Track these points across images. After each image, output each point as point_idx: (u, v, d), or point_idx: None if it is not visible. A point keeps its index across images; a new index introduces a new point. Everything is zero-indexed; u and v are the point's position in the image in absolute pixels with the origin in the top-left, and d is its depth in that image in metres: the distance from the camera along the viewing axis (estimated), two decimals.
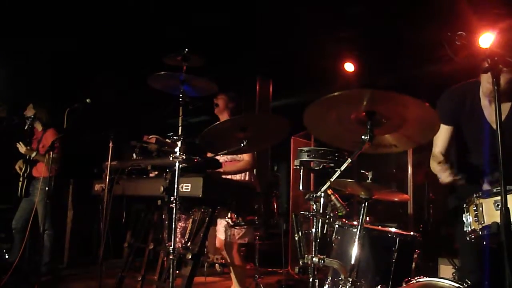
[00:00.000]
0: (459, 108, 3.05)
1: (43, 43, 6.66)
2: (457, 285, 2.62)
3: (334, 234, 3.37)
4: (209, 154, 4.04)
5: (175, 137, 3.21)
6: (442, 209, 7.04)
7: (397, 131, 2.37)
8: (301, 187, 2.87)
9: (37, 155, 5.75)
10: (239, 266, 4.52)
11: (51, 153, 5.20)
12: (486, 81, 2.89)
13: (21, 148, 5.77)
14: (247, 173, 4.50)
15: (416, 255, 3.31)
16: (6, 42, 6.53)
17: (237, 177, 4.46)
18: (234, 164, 4.39)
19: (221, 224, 4.36)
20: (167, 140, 3.62)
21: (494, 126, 2.80)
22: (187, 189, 3.21)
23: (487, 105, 2.97)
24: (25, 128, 5.85)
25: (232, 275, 4.59)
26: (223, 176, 4.31)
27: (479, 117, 2.97)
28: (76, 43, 6.85)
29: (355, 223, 3.26)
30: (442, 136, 3.07)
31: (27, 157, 5.84)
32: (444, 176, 2.82)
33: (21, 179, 5.89)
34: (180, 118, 3.32)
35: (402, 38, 6.62)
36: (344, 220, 3.35)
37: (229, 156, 4.32)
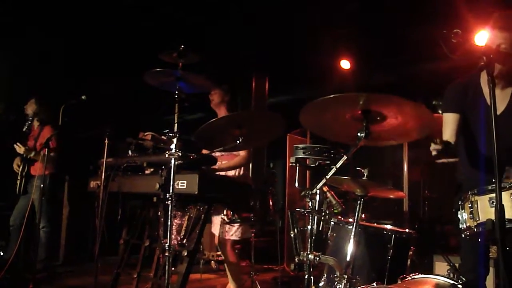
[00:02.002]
0: (462, 97, 3.06)
1: (39, 40, 6.64)
2: (452, 281, 2.63)
3: (329, 231, 3.37)
4: (204, 151, 4.04)
5: (171, 134, 3.20)
6: (438, 207, 7.07)
7: (394, 127, 2.38)
8: (297, 184, 2.86)
9: (35, 155, 5.73)
10: (233, 263, 4.51)
11: (46, 150, 5.18)
12: (484, 73, 2.91)
13: (19, 149, 5.74)
14: (241, 169, 4.50)
15: (411, 252, 3.31)
16: (2, 39, 6.51)
17: (231, 173, 4.46)
18: (231, 158, 4.39)
19: (217, 220, 4.36)
20: (162, 137, 3.61)
21: (497, 113, 2.82)
22: (183, 186, 3.20)
23: (487, 91, 2.96)
24: (24, 129, 5.81)
25: (228, 273, 4.58)
26: (219, 172, 4.32)
27: (482, 105, 2.98)
28: (72, 40, 6.83)
29: (350, 220, 3.27)
30: (449, 125, 3.07)
31: (26, 156, 5.82)
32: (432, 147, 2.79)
33: (19, 177, 5.87)
34: (175, 115, 3.31)
35: (398, 36, 6.63)
36: (339, 217, 3.35)
37: None
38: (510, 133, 2.76)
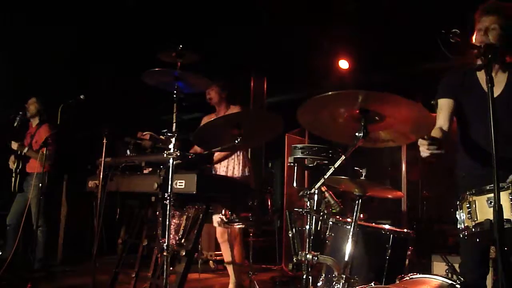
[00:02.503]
0: (457, 83, 3.08)
1: (39, 40, 6.63)
2: (450, 281, 2.63)
3: (328, 231, 3.37)
4: (197, 148, 4.04)
5: (169, 134, 3.20)
6: (436, 206, 7.07)
7: (391, 128, 2.38)
8: (295, 184, 2.86)
9: (29, 151, 5.73)
10: (240, 260, 4.50)
11: (45, 149, 5.18)
12: (479, 60, 2.93)
13: (13, 144, 5.74)
14: (246, 169, 4.49)
15: (409, 252, 3.32)
16: (2, 39, 6.50)
17: (234, 173, 4.45)
18: None
19: (217, 215, 4.32)
20: (161, 136, 3.61)
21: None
22: (181, 185, 3.20)
23: (482, 76, 2.98)
24: (15, 125, 5.79)
25: (230, 269, 4.56)
26: (221, 170, 4.32)
27: (476, 88, 3.00)
28: (71, 40, 6.83)
29: (349, 220, 3.27)
30: (443, 110, 3.07)
31: (19, 153, 5.82)
32: (422, 149, 2.78)
33: (13, 175, 5.87)
34: (174, 114, 3.31)
35: (396, 35, 6.63)
36: (338, 217, 3.36)
37: None
38: (506, 116, 2.77)
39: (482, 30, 2.87)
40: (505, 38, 2.83)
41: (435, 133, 2.93)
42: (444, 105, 3.08)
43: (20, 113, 5.86)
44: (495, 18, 2.85)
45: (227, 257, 4.60)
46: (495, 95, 2.90)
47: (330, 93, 2.17)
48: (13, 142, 5.76)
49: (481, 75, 2.98)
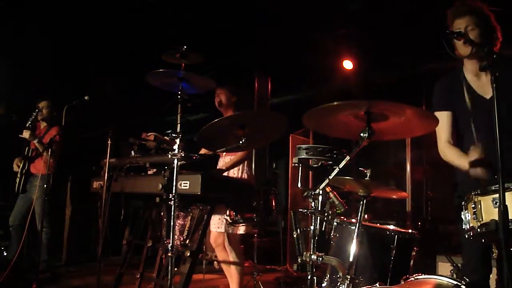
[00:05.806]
0: (449, 92, 3.07)
1: (43, 40, 6.65)
2: (455, 282, 2.62)
3: (332, 232, 3.37)
4: (204, 151, 4.04)
5: (174, 135, 3.20)
6: (441, 207, 7.06)
7: (396, 125, 2.38)
8: (299, 185, 2.86)
9: (38, 142, 5.66)
10: (241, 261, 4.50)
11: (50, 150, 5.19)
12: (469, 63, 2.98)
13: (25, 133, 5.64)
14: (244, 169, 4.49)
15: (414, 253, 3.31)
16: (5, 39, 6.52)
17: (234, 174, 4.45)
18: (234, 155, 4.38)
19: (214, 218, 4.31)
20: (165, 137, 3.61)
21: (487, 97, 2.89)
22: (186, 186, 3.20)
23: (473, 78, 2.99)
24: (27, 125, 5.77)
25: (232, 271, 4.54)
26: (222, 173, 4.32)
27: (469, 92, 2.99)
28: (75, 41, 6.84)
29: (353, 220, 3.27)
30: (443, 124, 3.03)
31: (26, 154, 5.83)
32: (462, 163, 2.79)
33: (18, 175, 5.88)
34: (178, 115, 3.31)
35: (400, 35, 6.62)
36: (342, 217, 3.35)
37: None
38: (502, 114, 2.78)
39: None
40: (484, 35, 2.85)
41: (458, 154, 2.93)
42: (441, 118, 3.02)
43: (34, 114, 5.82)
44: (468, 18, 2.86)
45: (223, 261, 4.60)
46: (488, 97, 2.90)
47: (335, 103, 2.20)
48: (25, 131, 5.69)
49: (471, 77, 2.99)
